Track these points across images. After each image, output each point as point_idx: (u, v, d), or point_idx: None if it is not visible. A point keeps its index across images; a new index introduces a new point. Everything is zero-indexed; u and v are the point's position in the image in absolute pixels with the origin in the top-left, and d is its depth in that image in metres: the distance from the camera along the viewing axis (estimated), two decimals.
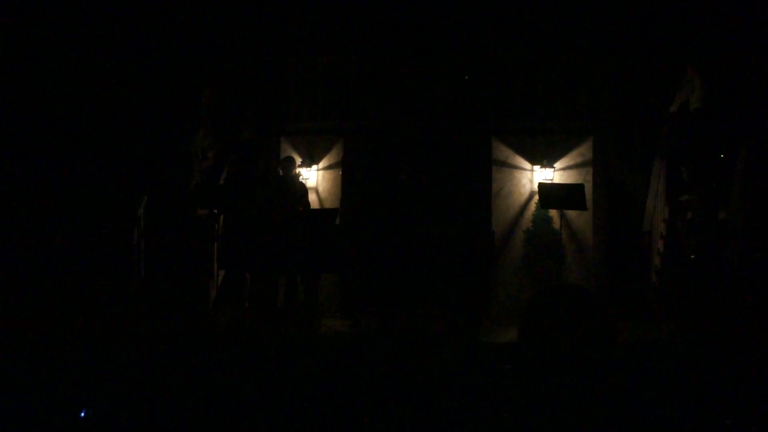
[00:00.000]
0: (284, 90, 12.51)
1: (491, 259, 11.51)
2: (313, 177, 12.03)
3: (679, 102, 10.83)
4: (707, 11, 11.44)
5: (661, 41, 11.70)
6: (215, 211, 10.71)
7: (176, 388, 7.76)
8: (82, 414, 6.70)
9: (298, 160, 11.63)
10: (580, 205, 10.26)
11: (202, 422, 7.31)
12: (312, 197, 11.57)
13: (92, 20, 11.66)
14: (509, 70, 11.86)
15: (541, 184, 10.97)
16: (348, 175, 11.92)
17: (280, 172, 11.04)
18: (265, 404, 7.54)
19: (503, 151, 11.79)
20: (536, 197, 11.29)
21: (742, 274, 9.14)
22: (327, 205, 11.90)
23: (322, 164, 12.11)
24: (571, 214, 11.13)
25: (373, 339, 9.65)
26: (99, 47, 11.74)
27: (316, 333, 9.92)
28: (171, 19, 12.23)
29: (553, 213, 11.29)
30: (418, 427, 7.23)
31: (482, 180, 11.71)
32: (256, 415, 7.41)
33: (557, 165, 11.55)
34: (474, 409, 7.50)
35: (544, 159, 11.60)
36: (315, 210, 11.18)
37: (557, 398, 7.57)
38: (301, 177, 11.49)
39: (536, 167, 11.65)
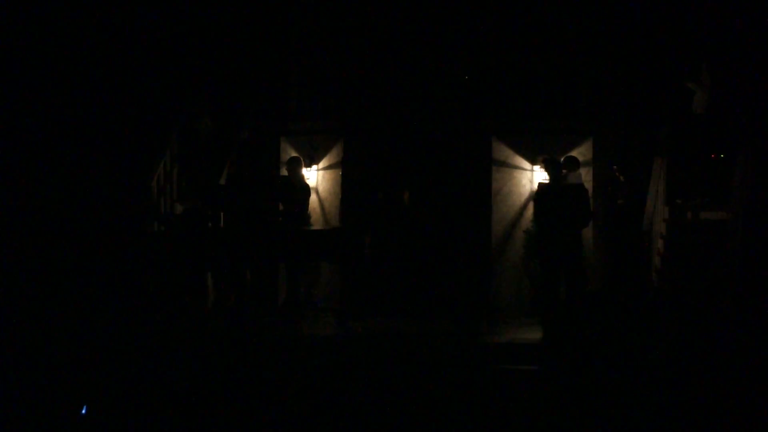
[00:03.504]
0: (284, 90, 12.51)
1: (490, 259, 11.57)
2: (313, 177, 12.04)
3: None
4: (707, 13, 11.44)
5: (661, 42, 11.70)
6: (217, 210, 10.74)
7: (175, 387, 7.75)
8: (83, 411, 6.70)
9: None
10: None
11: (201, 422, 7.30)
12: (312, 197, 11.57)
13: (94, 16, 11.66)
14: (509, 70, 11.86)
15: (540, 184, 10.96)
16: (348, 175, 11.92)
17: (286, 172, 11.06)
18: (264, 404, 7.53)
19: (503, 151, 11.79)
20: None
21: (742, 274, 9.13)
22: (327, 205, 11.91)
23: (322, 164, 12.11)
24: None
25: (373, 339, 9.65)
26: (100, 44, 11.73)
27: (314, 333, 9.91)
28: (172, 18, 12.22)
29: None
30: (419, 427, 7.23)
31: (482, 180, 11.71)
32: (254, 414, 7.41)
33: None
34: (474, 409, 7.49)
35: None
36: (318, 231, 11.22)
37: (565, 401, 7.58)
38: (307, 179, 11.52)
39: (536, 167, 11.65)
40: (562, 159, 10.79)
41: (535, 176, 11.61)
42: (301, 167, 11.13)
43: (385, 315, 10.98)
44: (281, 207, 10.58)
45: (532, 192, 11.59)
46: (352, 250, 9.91)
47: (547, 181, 11.33)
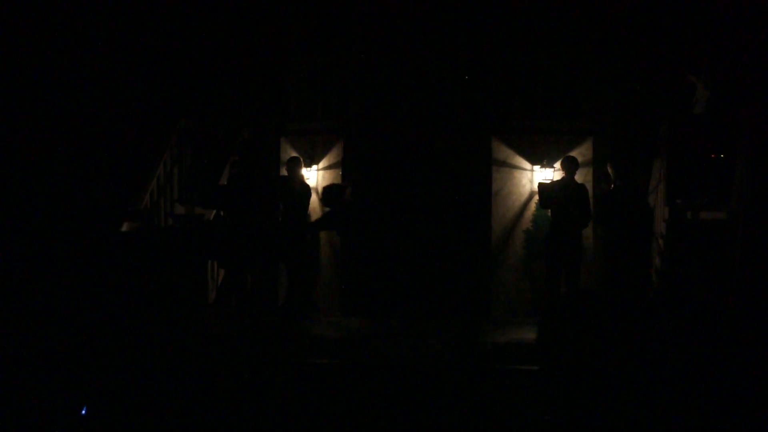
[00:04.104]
0: (284, 90, 12.52)
1: (489, 259, 11.57)
2: (313, 177, 12.04)
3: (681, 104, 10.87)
4: (708, 14, 11.46)
5: (661, 42, 11.71)
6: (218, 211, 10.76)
7: (175, 387, 7.76)
8: (83, 412, 6.70)
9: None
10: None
11: (200, 422, 7.31)
12: (312, 197, 11.58)
13: (96, 17, 11.68)
14: (509, 70, 11.86)
15: (540, 184, 10.96)
16: (348, 175, 11.92)
17: (285, 172, 11.06)
18: (265, 404, 7.54)
19: (503, 151, 11.79)
20: (536, 197, 11.29)
21: (742, 274, 9.13)
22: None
23: (322, 164, 12.12)
24: None
25: (373, 339, 9.65)
26: (101, 45, 11.74)
27: (314, 333, 9.91)
28: (173, 19, 12.23)
29: None
30: (419, 427, 7.23)
31: (482, 180, 11.71)
32: (254, 414, 7.41)
33: (557, 165, 11.54)
34: (474, 409, 7.49)
35: (544, 159, 11.60)
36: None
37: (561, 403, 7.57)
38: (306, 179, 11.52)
39: (536, 167, 11.66)
40: (561, 159, 10.80)
41: (535, 176, 11.61)
42: (301, 167, 11.14)
43: (384, 315, 10.98)
44: (281, 207, 10.58)
45: (532, 192, 11.60)
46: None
47: (548, 181, 11.34)
